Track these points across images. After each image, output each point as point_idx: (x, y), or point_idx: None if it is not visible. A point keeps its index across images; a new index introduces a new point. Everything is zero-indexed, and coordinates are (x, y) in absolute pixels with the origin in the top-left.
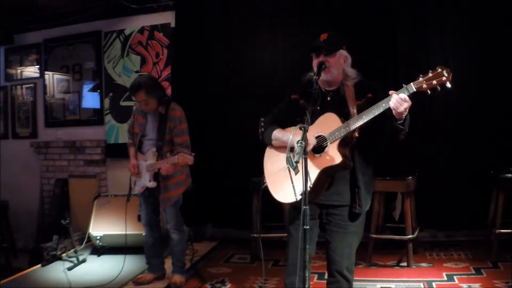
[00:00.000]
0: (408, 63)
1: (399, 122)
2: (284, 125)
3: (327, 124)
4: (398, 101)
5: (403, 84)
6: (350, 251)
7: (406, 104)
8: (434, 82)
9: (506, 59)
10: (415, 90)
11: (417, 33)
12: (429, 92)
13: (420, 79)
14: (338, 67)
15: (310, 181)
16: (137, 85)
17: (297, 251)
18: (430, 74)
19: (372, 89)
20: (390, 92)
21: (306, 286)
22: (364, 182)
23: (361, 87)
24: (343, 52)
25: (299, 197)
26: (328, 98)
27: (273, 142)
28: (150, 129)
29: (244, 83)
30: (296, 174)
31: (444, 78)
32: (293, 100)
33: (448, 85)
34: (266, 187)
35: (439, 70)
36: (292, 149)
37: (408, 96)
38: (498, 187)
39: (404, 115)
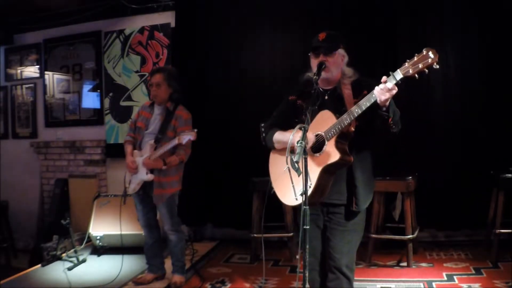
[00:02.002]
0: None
1: (383, 110)
2: (284, 127)
3: (323, 122)
4: (384, 89)
5: (390, 72)
6: (349, 248)
7: (392, 92)
8: (420, 65)
9: (507, 59)
10: (402, 76)
11: (417, 33)
12: (416, 76)
13: (406, 64)
14: (337, 66)
15: (311, 181)
16: (160, 68)
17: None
18: (416, 58)
19: (368, 86)
20: (383, 79)
21: (307, 286)
22: (363, 180)
23: (358, 85)
24: (341, 51)
25: (299, 198)
26: (326, 97)
27: (276, 145)
28: (154, 123)
29: (244, 83)
30: (299, 176)
31: (430, 60)
32: (291, 101)
33: (436, 66)
34: (275, 193)
35: (425, 52)
36: (292, 150)
37: (396, 83)
38: (498, 187)
39: (387, 103)
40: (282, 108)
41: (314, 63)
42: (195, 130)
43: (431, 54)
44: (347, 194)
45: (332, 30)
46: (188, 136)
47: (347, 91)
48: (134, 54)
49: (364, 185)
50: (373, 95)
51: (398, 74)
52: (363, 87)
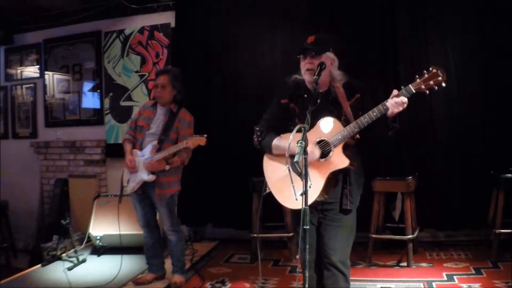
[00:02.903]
0: (408, 64)
1: (391, 120)
2: (278, 131)
3: (328, 128)
4: (399, 103)
5: (402, 87)
6: (343, 244)
7: (404, 106)
8: (431, 82)
9: (507, 59)
10: (414, 91)
11: (417, 33)
12: (427, 92)
13: (418, 80)
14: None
15: (311, 181)
16: (165, 69)
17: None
18: (426, 75)
19: (360, 89)
20: (394, 92)
21: (307, 286)
22: (355, 179)
23: (350, 88)
24: (330, 55)
25: (299, 198)
26: (318, 100)
27: (274, 151)
28: (156, 124)
29: (244, 83)
30: (302, 180)
31: (440, 78)
32: (284, 104)
33: (443, 84)
34: (270, 193)
35: (434, 70)
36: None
37: (407, 97)
38: (498, 187)
39: (395, 115)
40: (273, 111)
41: (302, 65)
42: (205, 135)
43: (440, 73)
44: (341, 194)
45: (324, 33)
46: (198, 142)
47: (341, 94)
48: (134, 54)
49: (356, 185)
50: (385, 107)
51: (411, 89)
52: (355, 90)
